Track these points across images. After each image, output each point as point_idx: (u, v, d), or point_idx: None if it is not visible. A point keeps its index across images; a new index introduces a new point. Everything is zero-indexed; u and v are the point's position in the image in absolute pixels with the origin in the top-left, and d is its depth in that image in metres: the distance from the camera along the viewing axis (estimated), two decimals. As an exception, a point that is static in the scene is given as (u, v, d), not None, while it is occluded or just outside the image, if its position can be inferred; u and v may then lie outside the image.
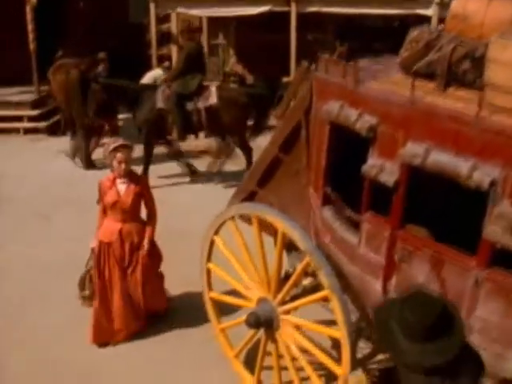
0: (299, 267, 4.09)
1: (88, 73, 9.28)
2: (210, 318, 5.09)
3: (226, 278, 4.80)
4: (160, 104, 8.70)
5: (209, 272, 4.98)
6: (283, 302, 4.35)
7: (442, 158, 3.27)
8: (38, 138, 11.07)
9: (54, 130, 11.19)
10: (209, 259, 4.93)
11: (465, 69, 3.55)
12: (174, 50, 12.65)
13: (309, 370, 4.29)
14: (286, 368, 4.50)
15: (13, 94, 11.84)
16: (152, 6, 11.55)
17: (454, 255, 3.39)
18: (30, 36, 11.30)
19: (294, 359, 4.33)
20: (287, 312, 4.36)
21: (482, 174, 3.11)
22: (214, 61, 12.98)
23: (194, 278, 5.16)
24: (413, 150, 3.38)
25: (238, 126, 8.98)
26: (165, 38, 13.03)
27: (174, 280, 5.78)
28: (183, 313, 5.75)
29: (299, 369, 4.37)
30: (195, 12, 11.59)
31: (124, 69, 13.17)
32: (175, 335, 5.51)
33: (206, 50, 12.87)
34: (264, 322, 4.37)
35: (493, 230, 3.11)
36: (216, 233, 4.78)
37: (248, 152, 9.25)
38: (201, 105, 8.73)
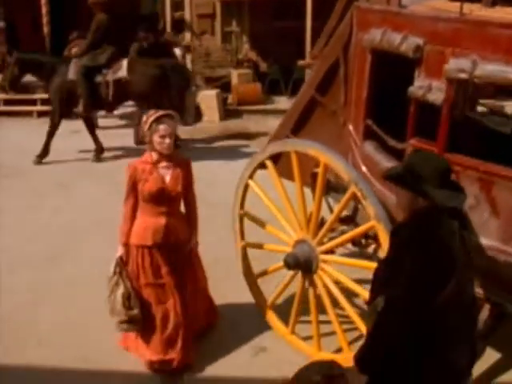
0: (344, 198, 4.00)
1: None
2: (242, 268, 5.00)
3: (260, 224, 4.72)
4: (71, 75, 8.58)
5: (242, 219, 4.89)
6: (322, 242, 4.27)
7: (492, 69, 3.20)
8: (52, 120, 11.01)
9: (67, 113, 11.10)
10: (242, 206, 4.85)
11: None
12: (187, 37, 12.63)
13: (350, 311, 4.20)
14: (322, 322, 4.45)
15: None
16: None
17: (506, 172, 3.31)
18: (44, 19, 11.30)
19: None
20: (327, 252, 4.28)
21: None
22: (227, 48, 12.97)
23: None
24: (460, 65, 3.31)
25: (149, 98, 8.61)
26: (178, 26, 12.96)
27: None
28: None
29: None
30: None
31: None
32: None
33: (220, 36, 12.93)
34: (303, 263, 4.28)
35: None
36: (251, 177, 4.70)
37: None
38: (110, 77, 8.56)
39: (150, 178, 4.08)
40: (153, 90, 8.61)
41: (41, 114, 11.19)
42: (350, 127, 4.23)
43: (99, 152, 9.04)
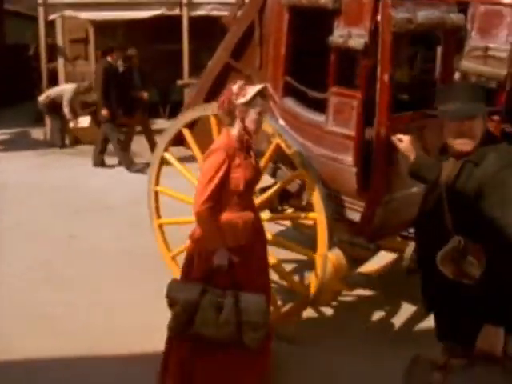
0: (267, 152, 4.03)
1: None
2: (159, 248, 4.85)
3: (178, 198, 4.63)
4: None
5: (157, 196, 4.78)
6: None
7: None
8: None
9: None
10: (157, 181, 4.74)
11: None
12: (61, 64, 12.16)
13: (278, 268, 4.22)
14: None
15: None
16: (41, 11, 11.10)
17: None
18: None
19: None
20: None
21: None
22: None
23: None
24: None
25: None
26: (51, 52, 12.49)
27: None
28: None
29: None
30: (84, 15, 11.30)
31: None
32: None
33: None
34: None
35: None
36: (166, 149, 4.62)
37: None
38: None
39: (243, 163, 3.34)
40: None
41: None
42: (268, 86, 4.30)
43: None
